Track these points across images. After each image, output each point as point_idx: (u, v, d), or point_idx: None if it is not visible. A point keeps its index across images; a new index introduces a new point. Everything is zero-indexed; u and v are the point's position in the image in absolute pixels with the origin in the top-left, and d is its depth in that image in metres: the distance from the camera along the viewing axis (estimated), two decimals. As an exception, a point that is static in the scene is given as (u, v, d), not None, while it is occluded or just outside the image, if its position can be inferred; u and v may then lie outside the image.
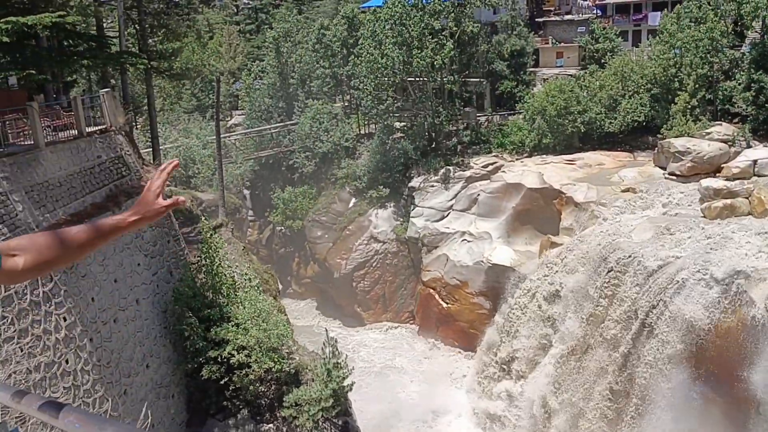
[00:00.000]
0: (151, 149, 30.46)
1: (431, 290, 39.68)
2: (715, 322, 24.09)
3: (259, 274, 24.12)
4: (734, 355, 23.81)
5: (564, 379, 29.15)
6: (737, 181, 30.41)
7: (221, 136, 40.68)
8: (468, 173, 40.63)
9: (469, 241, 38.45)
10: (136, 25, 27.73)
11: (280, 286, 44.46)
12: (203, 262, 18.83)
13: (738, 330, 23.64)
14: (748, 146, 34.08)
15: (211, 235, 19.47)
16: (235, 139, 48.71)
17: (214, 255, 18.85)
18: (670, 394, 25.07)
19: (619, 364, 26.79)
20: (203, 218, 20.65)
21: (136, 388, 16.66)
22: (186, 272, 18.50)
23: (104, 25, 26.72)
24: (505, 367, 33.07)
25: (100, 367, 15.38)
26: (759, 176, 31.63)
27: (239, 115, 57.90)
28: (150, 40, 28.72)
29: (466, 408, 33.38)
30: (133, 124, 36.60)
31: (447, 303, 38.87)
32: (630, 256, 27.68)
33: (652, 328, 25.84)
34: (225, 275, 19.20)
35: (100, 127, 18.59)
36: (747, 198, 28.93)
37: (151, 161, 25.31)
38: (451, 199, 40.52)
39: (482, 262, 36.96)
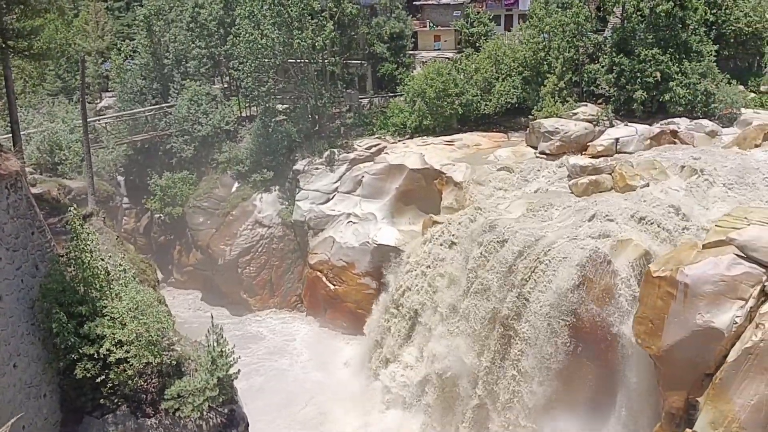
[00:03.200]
0: (11, 135, 28.22)
1: (318, 273, 39.69)
2: (584, 289, 25.76)
3: (135, 264, 23.06)
4: (603, 319, 25.63)
5: (448, 352, 30.07)
6: (601, 159, 32.55)
7: (90, 119, 38.45)
8: (352, 155, 40.85)
9: (354, 223, 38.76)
10: (-12, 0, 25.39)
11: (161, 276, 42.86)
12: (72, 254, 17.71)
13: (604, 295, 25.42)
14: (611, 125, 36.48)
15: (81, 225, 18.31)
16: (106, 123, 46.06)
17: (84, 246, 17.78)
18: (545, 361, 26.59)
19: (498, 335, 28.05)
20: (71, 207, 19.38)
21: (2, 390, 15.54)
22: (53, 266, 17.31)
23: (-50, -1, 24.27)
24: (392, 345, 33.67)
25: (-41, 371, 14.22)
26: (621, 153, 34.02)
27: (110, 97, 54.79)
28: (5, 18, 26.42)
29: (355, 389, 33.73)
30: (-10, 108, 33.77)
31: (334, 285, 39.06)
32: (506, 232, 28.96)
33: (527, 299, 27.24)
34: (97, 267, 18.16)
35: (-52, 112, 16.97)
36: (610, 174, 31.03)
37: (11, 148, 23.45)
38: (336, 182, 40.60)
39: (368, 243, 37.41)
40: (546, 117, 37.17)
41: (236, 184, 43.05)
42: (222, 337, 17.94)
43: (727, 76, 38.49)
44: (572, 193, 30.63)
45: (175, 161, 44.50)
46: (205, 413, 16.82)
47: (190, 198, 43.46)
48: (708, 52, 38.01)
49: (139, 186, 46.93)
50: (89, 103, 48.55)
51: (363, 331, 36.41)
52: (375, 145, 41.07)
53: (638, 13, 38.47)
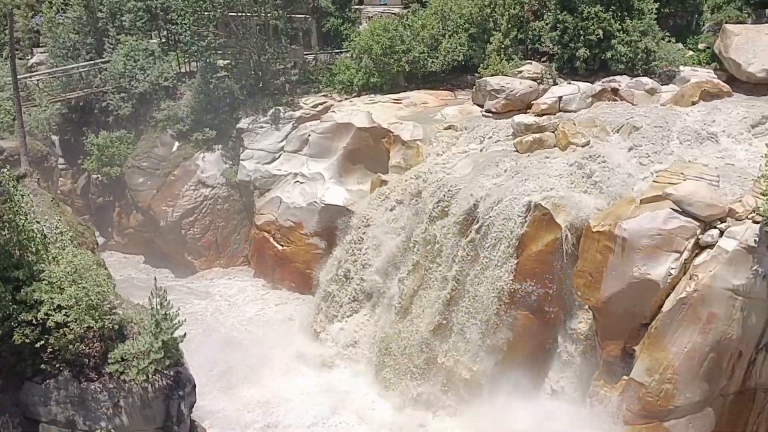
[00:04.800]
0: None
1: (265, 233, 39.32)
2: (526, 244, 26.30)
3: (72, 226, 22.36)
4: (545, 275, 26.28)
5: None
6: (545, 117, 32.86)
7: (21, 76, 36.80)
8: (298, 113, 40.15)
9: (301, 183, 38.36)
10: None
11: (101, 239, 41.87)
12: (6, 217, 17.04)
13: (546, 251, 26.03)
14: (555, 83, 36.75)
15: (14, 186, 17.60)
16: (38, 80, 44.04)
17: (18, 209, 17.11)
18: (490, 317, 27.24)
19: (446, 295, 28.52)
20: (3, 169, 18.59)
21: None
22: (-16, 229, 16.72)
23: None
24: (339, 305, 33.80)
25: None
26: (564, 111, 34.40)
27: (41, 53, 52.30)
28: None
29: (302, 350, 33.81)
30: None
31: (282, 245, 38.79)
32: (453, 191, 29.21)
33: (474, 256, 27.69)
34: (33, 230, 17.57)
35: None
36: (553, 132, 31.44)
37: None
38: (281, 141, 39.95)
39: (316, 202, 37.14)
40: (492, 75, 37.16)
41: (177, 144, 41.89)
42: (166, 299, 17.70)
43: (667, 33, 39.13)
44: (516, 150, 30.95)
45: (112, 120, 42.99)
46: (150, 376, 16.69)
47: (128, 158, 42.17)
48: (649, 10, 38.43)
49: (74, 146, 45.27)
50: (19, 59, 46.30)
51: (311, 291, 36.37)
52: (321, 103, 40.42)
53: (582, -31, 38.49)
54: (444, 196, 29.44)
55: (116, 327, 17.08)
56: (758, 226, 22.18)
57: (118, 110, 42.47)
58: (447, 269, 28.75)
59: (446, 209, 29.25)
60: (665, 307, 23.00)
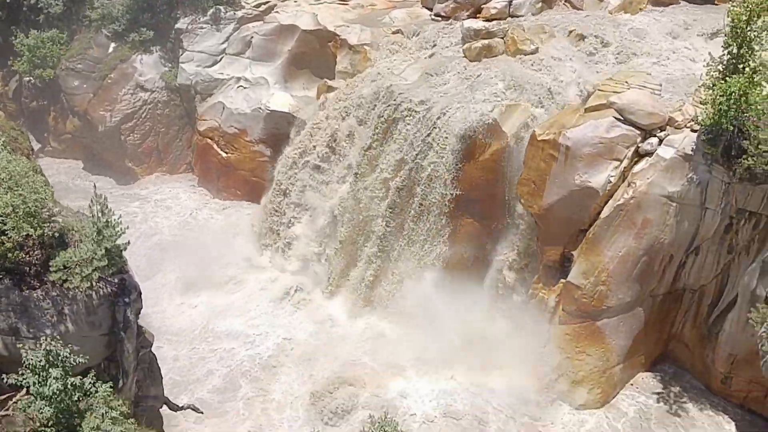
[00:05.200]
0: None
1: (209, 140, 38.41)
2: (473, 152, 26.53)
3: (5, 132, 21.33)
4: (491, 180, 26.73)
5: (348, 212, 30.57)
6: (494, 22, 32.30)
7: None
8: (240, 13, 38.40)
9: (245, 88, 37.28)
10: None
11: (38, 145, 40.36)
12: (-71, 120, 16.17)
13: (493, 158, 26.36)
14: (505, -13, 35.89)
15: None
16: (-43, -27, 40.64)
17: (-58, 112, 16.23)
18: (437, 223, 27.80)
19: (392, 197, 28.76)
20: None
21: None
22: None
23: None
24: (289, 212, 33.76)
25: None
26: (513, 17, 33.84)
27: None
28: None
29: (255, 257, 33.97)
30: None
31: (226, 152, 38.04)
32: (401, 97, 28.86)
33: (422, 164, 27.81)
34: (-39, 135, 16.75)
35: None
36: (502, 38, 31.03)
37: None
38: (223, 42, 38.42)
39: (260, 108, 36.28)
40: (441, -24, 36.04)
41: (113, 45, 39.74)
42: (107, 207, 17.30)
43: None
44: (465, 57, 30.54)
45: (43, 18, 40.27)
46: (94, 283, 16.52)
47: (62, 59, 39.93)
48: None
49: (3, 46, 42.44)
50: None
51: (259, 199, 36.13)
52: (264, 3, 38.56)
53: None
54: (390, 103, 28.96)
55: (57, 235, 16.66)
56: (696, 134, 22.89)
57: (48, 8, 39.79)
58: (392, 177, 28.81)
59: (392, 117, 28.86)
60: (603, 214, 23.87)
